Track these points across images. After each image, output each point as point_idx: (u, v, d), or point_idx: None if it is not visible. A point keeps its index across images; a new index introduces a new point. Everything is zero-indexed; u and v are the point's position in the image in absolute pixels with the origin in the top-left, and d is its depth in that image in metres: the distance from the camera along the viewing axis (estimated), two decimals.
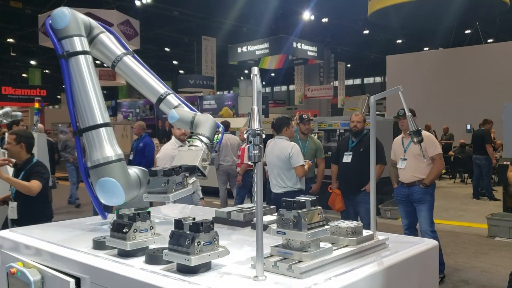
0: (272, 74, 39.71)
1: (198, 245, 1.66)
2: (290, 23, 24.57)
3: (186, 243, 1.67)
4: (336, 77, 36.22)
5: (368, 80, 52.64)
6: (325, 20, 27.29)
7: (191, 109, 2.82)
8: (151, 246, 1.95)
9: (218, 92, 31.43)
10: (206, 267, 1.72)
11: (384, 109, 20.15)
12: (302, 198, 1.77)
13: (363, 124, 5.86)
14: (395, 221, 8.28)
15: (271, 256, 1.76)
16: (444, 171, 13.19)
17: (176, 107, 2.77)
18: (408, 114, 2.25)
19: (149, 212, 1.98)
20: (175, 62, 39.00)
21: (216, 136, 2.71)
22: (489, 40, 27.49)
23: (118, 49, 2.83)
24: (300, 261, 1.68)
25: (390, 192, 9.45)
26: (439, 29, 26.26)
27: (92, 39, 2.78)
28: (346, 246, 1.90)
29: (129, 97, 31.67)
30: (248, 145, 1.49)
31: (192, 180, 2.50)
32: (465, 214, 9.24)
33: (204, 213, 2.99)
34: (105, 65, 3.00)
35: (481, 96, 16.63)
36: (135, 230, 1.91)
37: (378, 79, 51.12)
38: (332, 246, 1.82)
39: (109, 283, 1.81)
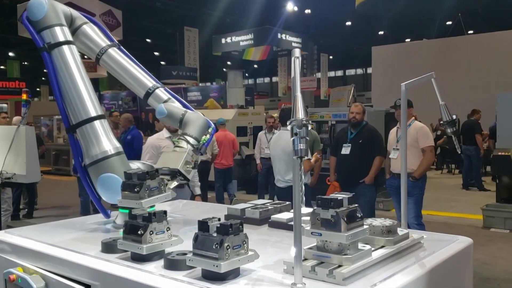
0: (255, 66, 39.42)
1: (228, 249, 1.50)
2: (274, 14, 24.36)
3: (214, 247, 1.50)
4: (319, 69, 36.19)
5: (350, 72, 52.77)
6: (308, 11, 27.16)
7: (183, 105, 2.62)
8: (168, 249, 1.78)
9: (200, 84, 31.10)
10: (235, 273, 1.55)
11: (367, 101, 20.15)
12: (339, 196, 1.61)
13: (363, 115, 5.73)
14: (388, 212, 8.22)
15: (305, 259, 1.60)
16: None
17: (166, 102, 2.56)
18: (442, 103, 2.11)
19: (165, 212, 1.80)
20: (156, 53, 38.49)
21: (204, 137, 2.50)
22: (469, 32, 27.70)
23: (102, 41, 2.62)
24: (339, 266, 1.52)
25: (383, 183, 9.41)
26: (422, 20, 26.38)
27: (74, 30, 2.58)
28: (383, 246, 1.75)
29: (110, 89, 31.13)
30: (293, 138, 1.32)
31: (173, 184, 2.30)
32: (457, 205, 9.23)
33: (214, 210, 2.81)
34: (85, 56, 2.77)
35: (466, 86, 16.67)
36: (151, 232, 1.73)
37: (360, 71, 51.31)
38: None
39: None
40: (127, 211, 2.37)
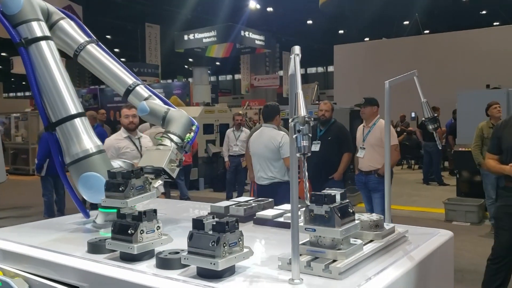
0: (217, 63, 39.29)
1: (225, 246, 1.50)
2: (237, 12, 24.34)
3: (210, 245, 1.49)
4: (281, 67, 36.42)
5: (311, 70, 53.33)
6: (270, 9, 27.28)
7: (165, 102, 2.58)
8: (158, 249, 1.76)
9: (162, 81, 30.72)
10: (230, 270, 1.55)
11: (328, 99, 20.38)
12: (332, 191, 1.64)
13: (331, 113, 5.82)
14: (355, 207, 8.36)
15: (300, 255, 1.61)
16: None
17: (147, 99, 2.53)
18: (423, 100, 2.17)
19: (155, 211, 1.78)
20: (117, 50, 37.75)
21: (188, 135, 2.46)
22: (425, 31, 28.55)
23: (80, 37, 2.55)
24: (334, 260, 1.55)
25: (348, 179, 9.58)
26: (381, 20, 26.96)
27: (51, 25, 2.50)
28: (371, 241, 1.79)
29: None
30: (295, 135, 1.33)
31: (157, 183, 2.26)
32: (418, 199, 9.51)
33: (196, 208, 2.80)
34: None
35: (424, 84, 17.12)
36: (141, 231, 1.70)
37: (320, 69, 51.95)
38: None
39: None
40: (107, 210, 2.33)
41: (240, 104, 25.70)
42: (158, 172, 2.25)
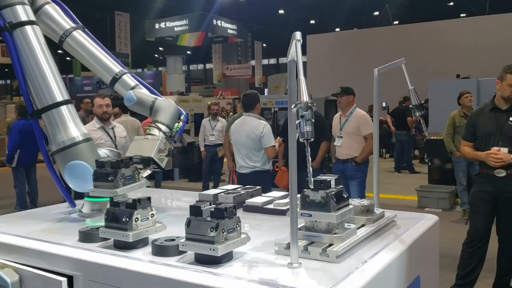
0: (188, 52, 38.94)
1: (223, 232, 1.50)
2: (209, 0, 24.11)
3: (209, 231, 1.50)
4: (253, 56, 36.35)
5: (282, 60, 53.36)
6: None
7: (151, 91, 2.56)
8: (152, 236, 1.75)
9: (132, 70, 30.25)
10: (228, 256, 1.56)
11: None
12: (327, 177, 1.66)
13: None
14: None
15: None
16: None
17: (133, 88, 2.50)
18: (411, 87, 2.21)
19: (149, 199, 1.77)
20: None
21: (176, 124, 2.44)
22: (395, 22, 28.95)
23: (66, 23, 2.51)
24: (330, 244, 1.57)
25: (324, 168, 9.65)
26: (352, 10, 27.20)
27: (36, 10, 2.45)
28: (363, 225, 1.83)
29: None
30: (298, 121, 1.34)
31: (146, 173, 2.26)
32: (391, 187, 9.69)
33: (183, 196, 2.79)
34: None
35: (395, 74, 17.40)
36: (136, 219, 1.69)
37: None
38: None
39: (111, 280, 1.59)
40: (93, 199, 2.30)
41: (212, 94, 25.55)
42: (147, 162, 2.23)
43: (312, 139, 1.35)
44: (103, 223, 2.15)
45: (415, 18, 24.85)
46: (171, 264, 1.55)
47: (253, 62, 36.12)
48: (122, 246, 1.72)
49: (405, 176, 11.04)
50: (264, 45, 39.72)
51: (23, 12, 2.26)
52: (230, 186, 2.66)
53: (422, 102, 2.23)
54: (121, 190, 1.95)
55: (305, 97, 1.31)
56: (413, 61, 17.10)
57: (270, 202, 2.32)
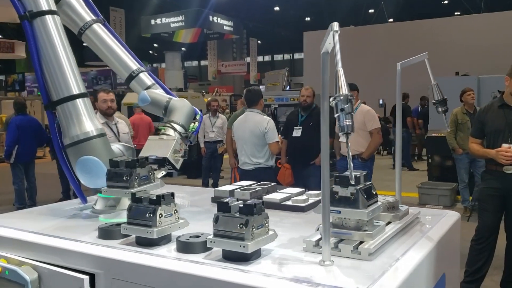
0: (183, 49, 38.82)
1: (253, 229, 1.47)
2: None
3: (239, 227, 1.46)
4: (248, 53, 36.28)
5: (277, 57, 53.37)
6: None
7: (167, 92, 2.50)
8: (176, 233, 1.71)
9: None
10: (257, 253, 1.53)
11: (295, 86, 20.46)
12: (357, 173, 1.63)
13: (313, 98, 5.83)
14: None
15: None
16: None
17: (149, 88, 2.43)
18: (434, 82, 2.18)
19: (173, 194, 1.73)
20: None
21: (192, 124, 2.38)
22: (389, 20, 29.00)
23: (87, 14, 2.46)
24: (361, 242, 1.54)
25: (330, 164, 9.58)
26: (348, 8, 27.19)
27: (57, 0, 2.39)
28: (389, 222, 1.80)
29: (28, 71, 29.40)
30: (338, 114, 1.30)
31: (161, 173, 2.20)
32: (390, 184, 9.65)
33: (197, 193, 2.75)
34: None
35: (391, 72, 17.40)
36: (160, 215, 1.65)
37: (287, 56, 52.04)
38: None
39: (135, 278, 1.55)
40: (107, 195, 2.25)
41: (207, 91, 25.48)
42: (162, 162, 2.16)
43: (353, 133, 1.31)
44: (117, 220, 2.12)
45: (410, 16, 24.91)
46: (198, 261, 1.51)
47: (248, 59, 36.05)
48: (145, 243, 1.68)
49: (404, 173, 11.02)
50: (259, 42, 39.69)
51: (44, 1, 2.21)
52: (245, 182, 2.62)
53: (445, 97, 2.20)
54: (136, 191, 1.89)
55: (344, 90, 1.28)
56: (406, 58, 17.13)
57: (287, 198, 2.28)
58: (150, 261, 1.54)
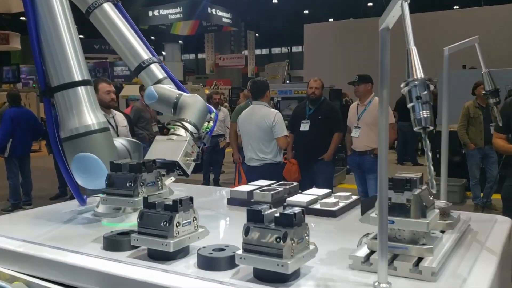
0: (180, 42, 38.38)
1: (293, 244, 1.22)
2: None
3: (276, 242, 1.21)
4: (246, 46, 35.90)
5: (275, 50, 53.03)
6: None
7: (178, 87, 2.20)
8: (195, 244, 1.46)
9: None
10: (296, 273, 1.27)
11: (293, 79, 20.19)
12: (413, 176, 1.37)
13: (321, 90, 5.57)
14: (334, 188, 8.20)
15: (372, 252, 1.35)
16: None
17: (160, 82, 2.14)
18: (485, 70, 1.93)
19: (191, 199, 1.47)
20: (76, 26, 36.22)
21: (206, 124, 2.08)
22: None
23: None
24: (420, 258, 1.29)
25: (340, 160, 9.39)
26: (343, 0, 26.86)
27: None
28: (442, 231, 1.55)
29: (23, 63, 29.02)
30: (413, 104, 1.04)
31: (169, 180, 1.87)
32: None
33: (211, 193, 2.49)
34: None
35: (400, 62, 17.05)
36: (177, 224, 1.40)
37: (285, 50, 51.66)
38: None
39: None
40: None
41: (205, 84, 25.15)
42: (171, 167, 1.86)
43: (431, 128, 1.05)
44: (122, 225, 1.87)
45: (410, 10, 24.56)
46: (224, 281, 1.26)
47: (246, 52, 35.69)
48: (159, 256, 1.42)
49: (409, 168, 10.80)
50: (257, 35, 39.31)
51: None
52: (264, 182, 2.36)
53: (497, 87, 1.94)
54: (141, 200, 1.58)
55: (419, 73, 1.02)
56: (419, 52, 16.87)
57: (314, 201, 2.03)
58: (166, 280, 1.30)
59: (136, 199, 1.60)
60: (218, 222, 1.90)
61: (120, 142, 2.11)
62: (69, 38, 1.93)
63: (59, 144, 1.99)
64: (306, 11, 36.63)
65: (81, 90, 1.92)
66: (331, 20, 29.62)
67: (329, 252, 1.49)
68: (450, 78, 6.89)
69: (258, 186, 2.23)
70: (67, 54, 1.91)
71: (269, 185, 2.27)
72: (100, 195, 2.03)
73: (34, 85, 20.48)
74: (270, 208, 1.32)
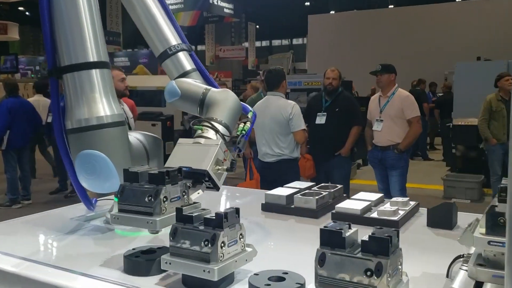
0: None
1: (388, 278, 0.90)
2: None
3: (366, 275, 0.89)
4: (247, 38, 35.50)
5: (275, 42, 52.58)
6: None
7: (208, 80, 1.83)
8: (244, 268, 1.15)
9: (124, 50, 29.30)
10: None
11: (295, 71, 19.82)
12: None
13: (339, 81, 5.23)
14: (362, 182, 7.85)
15: (480, 284, 1.04)
16: None
17: (188, 74, 1.78)
18: None
19: (238, 211, 1.15)
20: None
21: (242, 125, 1.68)
22: (390, 6, 28.29)
23: None
24: None
25: (358, 156, 9.04)
26: None
27: None
28: None
29: (22, 54, 28.64)
30: None
31: (196, 194, 1.51)
32: (408, 175, 9.16)
33: (243, 197, 2.17)
34: None
35: (407, 56, 16.65)
36: (222, 244, 1.08)
37: (285, 42, 51.21)
38: None
39: None
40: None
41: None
42: (199, 177, 1.51)
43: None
44: (139, 233, 1.56)
45: (415, 1, 24.19)
46: None
47: (246, 44, 35.29)
48: (197, 284, 1.11)
49: (420, 163, 10.49)
50: (258, 26, 38.88)
51: None
52: (302, 184, 2.04)
53: None
54: (164, 220, 1.25)
55: None
56: (416, 44, 16.55)
57: (368, 208, 1.71)
58: None
59: (158, 218, 1.23)
60: (257, 235, 1.58)
61: (135, 137, 1.77)
62: (88, 11, 1.60)
63: (64, 136, 1.67)
64: (307, 3, 36.21)
65: (95, 73, 1.58)
66: (332, 12, 29.24)
67: (420, 278, 1.17)
68: (464, 70, 6.56)
69: (296, 189, 1.91)
70: (83, 30, 1.57)
71: (308, 188, 1.95)
72: (115, 198, 1.72)
73: (32, 75, 20.12)
74: (350, 227, 1.00)
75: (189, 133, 10.45)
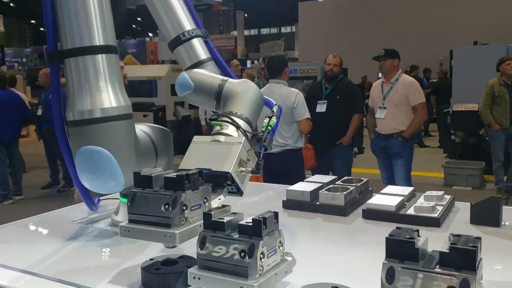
0: None
1: None
2: None
3: None
4: (235, 27, 35.18)
5: (263, 31, 52.30)
6: None
7: (225, 71, 1.62)
8: (286, 280, 0.99)
9: None
10: None
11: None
12: None
13: (340, 68, 5.06)
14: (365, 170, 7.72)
15: None
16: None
17: (203, 63, 1.57)
18: None
19: (276, 216, 0.98)
20: None
21: (267, 120, 1.48)
22: None
23: None
24: None
25: (359, 144, 8.88)
26: None
27: None
28: None
29: (7, 46, 28.13)
30: None
31: (217, 200, 1.28)
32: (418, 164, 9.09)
33: (258, 192, 2.00)
34: None
35: (400, 42, 16.51)
36: (262, 255, 0.91)
37: (274, 30, 50.92)
38: None
39: None
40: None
41: None
42: (219, 180, 1.29)
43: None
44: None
45: None
46: None
47: (235, 33, 34.98)
48: None
49: (416, 150, 10.35)
50: (246, 15, 38.53)
51: None
52: (325, 178, 1.87)
53: None
54: (184, 232, 1.05)
55: None
56: (409, 30, 16.41)
57: (402, 204, 1.56)
58: None
59: (177, 231, 1.03)
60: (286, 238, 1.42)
61: (141, 130, 1.58)
62: None
63: (65, 128, 1.48)
64: None
65: (101, 58, 1.38)
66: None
67: None
68: (462, 55, 6.42)
69: (318, 184, 1.75)
70: (89, 11, 1.38)
71: (332, 182, 1.79)
72: (121, 198, 1.55)
73: (19, 67, 19.63)
74: (418, 233, 0.84)
75: (181, 124, 10.25)
